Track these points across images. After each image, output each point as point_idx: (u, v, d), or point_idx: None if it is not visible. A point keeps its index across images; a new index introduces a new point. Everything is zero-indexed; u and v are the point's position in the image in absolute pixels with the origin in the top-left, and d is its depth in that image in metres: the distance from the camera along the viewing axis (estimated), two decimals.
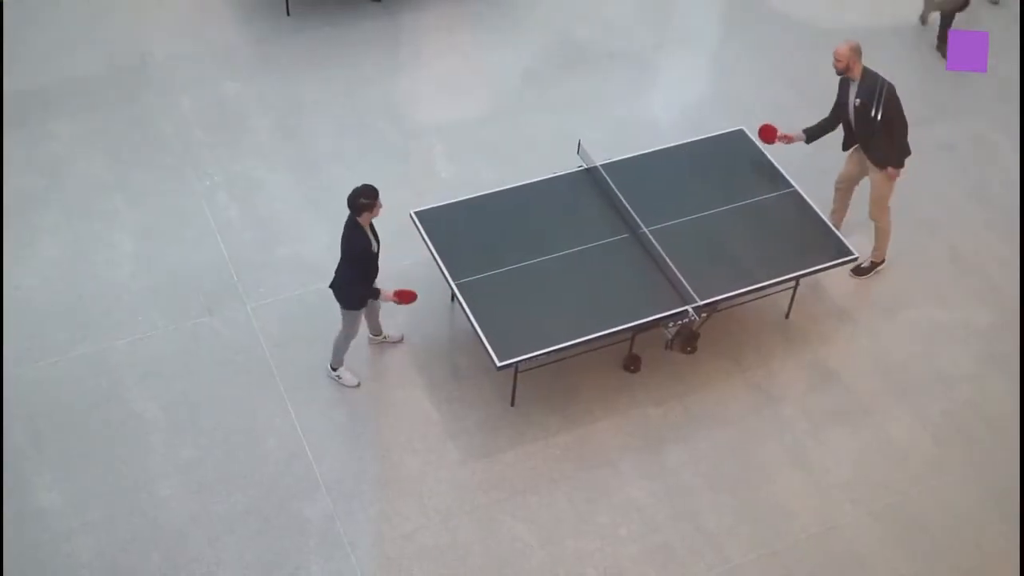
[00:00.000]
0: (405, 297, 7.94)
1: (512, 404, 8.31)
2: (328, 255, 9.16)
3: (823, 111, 9.83)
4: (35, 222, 9.35)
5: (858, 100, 8.55)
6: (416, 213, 8.65)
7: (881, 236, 9.18)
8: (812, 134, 9.00)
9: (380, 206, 7.61)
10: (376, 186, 7.61)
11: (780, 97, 10.87)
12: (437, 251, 8.40)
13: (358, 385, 8.37)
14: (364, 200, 7.51)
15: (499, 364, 7.67)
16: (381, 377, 8.44)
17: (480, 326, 7.89)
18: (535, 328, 7.89)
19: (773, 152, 9.41)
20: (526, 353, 7.75)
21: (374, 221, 7.93)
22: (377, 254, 7.88)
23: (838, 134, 9.07)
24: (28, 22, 11.15)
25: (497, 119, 10.54)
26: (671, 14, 11.85)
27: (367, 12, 11.57)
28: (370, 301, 8.09)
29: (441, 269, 8.30)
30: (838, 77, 8.71)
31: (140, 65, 10.80)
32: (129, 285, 8.94)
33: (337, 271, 7.87)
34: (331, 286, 7.92)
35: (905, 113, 8.59)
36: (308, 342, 8.62)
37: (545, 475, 7.93)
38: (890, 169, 8.77)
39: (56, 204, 9.49)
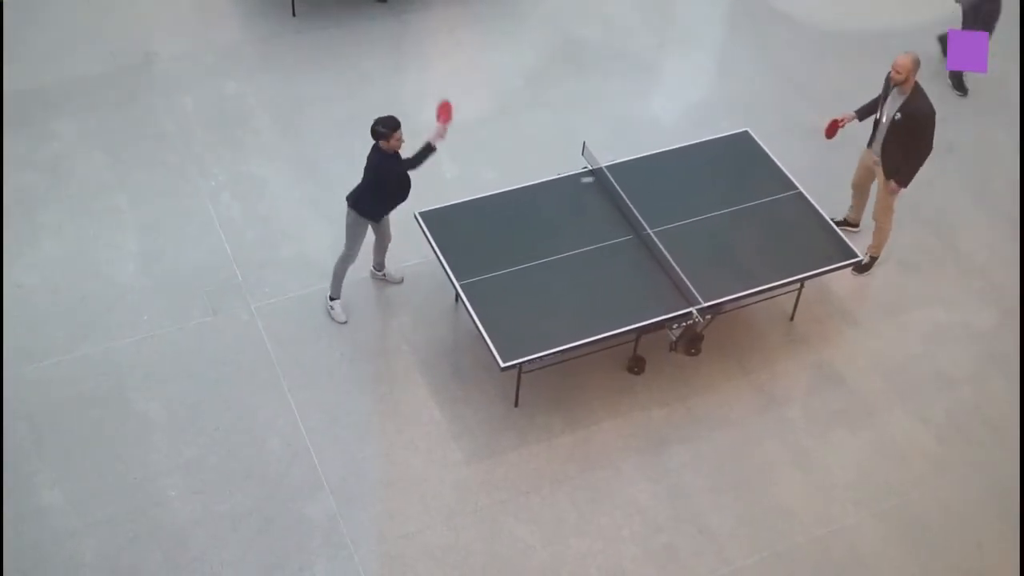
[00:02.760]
0: (444, 115, 8.10)
1: (516, 405, 8.31)
2: (331, 254, 9.15)
3: (825, 110, 9.86)
4: (37, 221, 9.34)
5: (899, 115, 8.55)
6: (420, 214, 8.65)
7: (880, 235, 9.24)
8: (862, 114, 8.96)
9: (399, 139, 7.82)
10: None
11: (782, 97, 10.87)
12: (441, 252, 8.39)
13: (345, 322, 8.65)
14: (381, 128, 7.81)
15: (503, 365, 7.66)
16: (384, 377, 8.43)
17: (484, 327, 7.89)
18: (539, 329, 7.88)
19: (778, 153, 9.40)
20: (530, 354, 7.74)
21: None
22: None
23: (846, 136, 9.06)
24: (28, 22, 11.13)
25: (500, 119, 10.54)
26: (673, 14, 11.85)
27: (372, 12, 11.56)
28: (373, 226, 8.32)
29: (445, 270, 8.29)
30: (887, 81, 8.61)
31: (143, 64, 10.79)
32: (132, 284, 8.93)
33: (360, 188, 8.07)
34: (348, 198, 8.13)
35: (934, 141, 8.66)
36: (312, 341, 8.61)
37: (548, 476, 7.93)
38: (892, 183, 8.83)
39: (58, 203, 9.48)
